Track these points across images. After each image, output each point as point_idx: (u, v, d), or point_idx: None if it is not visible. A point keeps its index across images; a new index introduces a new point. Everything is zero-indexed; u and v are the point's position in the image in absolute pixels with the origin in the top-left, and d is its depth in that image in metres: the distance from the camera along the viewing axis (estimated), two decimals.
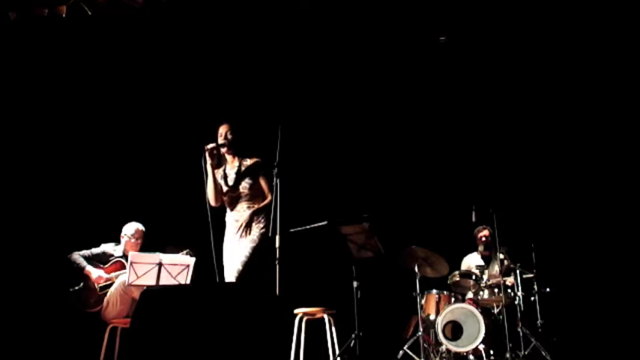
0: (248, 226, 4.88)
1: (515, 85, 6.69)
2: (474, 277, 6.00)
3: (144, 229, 5.61)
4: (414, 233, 6.24)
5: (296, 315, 5.60)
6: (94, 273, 5.48)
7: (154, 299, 4.27)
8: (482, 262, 6.30)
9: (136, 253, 5.23)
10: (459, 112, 6.83)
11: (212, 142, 4.83)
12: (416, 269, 5.82)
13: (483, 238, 6.41)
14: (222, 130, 4.97)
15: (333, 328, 5.56)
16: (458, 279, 6.02)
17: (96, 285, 5.47)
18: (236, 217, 4.89)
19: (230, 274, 4.76)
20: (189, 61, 6.46)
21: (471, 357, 5.55)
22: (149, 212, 5.91)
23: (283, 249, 4.83)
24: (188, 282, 4.81)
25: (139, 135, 6.44)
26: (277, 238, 4.86)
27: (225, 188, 4.92)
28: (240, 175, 4.89)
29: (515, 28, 6.28)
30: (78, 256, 5.53)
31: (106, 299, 5.38)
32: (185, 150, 5.27)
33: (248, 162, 4.95)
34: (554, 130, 6.82)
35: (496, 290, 5.86)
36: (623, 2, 5.89)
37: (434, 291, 5.98)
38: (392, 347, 5.67)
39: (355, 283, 5.59)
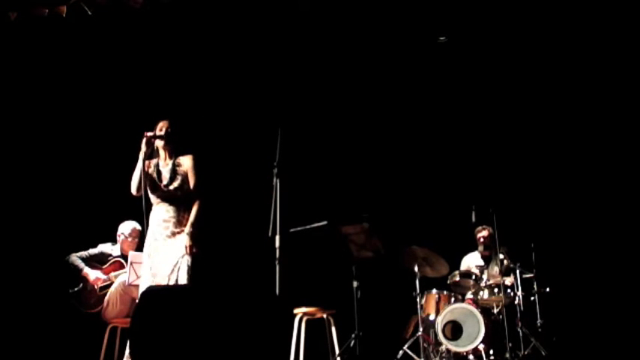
0: (177, 229, 4.66)
1: (515, 85, 6.68)
2: (473, 277, 6.00)
3: (140, 227, 5.57)
4: (413, 233, 6.24)
5: (296, 315, 5.60)
6: (92, 275, 5.51)
7: (154, 299, 4.18)
8: (482, 262, 6.31)
9: (136, 252, 5.24)
10: (458, 112, 6.83)
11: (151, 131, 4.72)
12: (416, 269, 5.82)
13: (482, 239, 6.41)
14: (162, 124, 4.82)
15: (333, 328, 5.56)
16: (458, 279, 6.02)
17: (95, 286, 5.49)
18: (164, 216, 4.67)
19: (162, 279, 4.56)
20: (187, 60, 6.47)
21: (471, 357, 5.55)
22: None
23: (283, 249, 4.80)
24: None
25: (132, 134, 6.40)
26: (277, 238, 4.83)
27: (158, 185, 4.74)
28: (174, 176, 4.72)
29: (515, 27, 6.27)
30: (76, 258, 5.56)
31: (106, 299, 5.41)
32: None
33: (182, 161, 4.76)
34: (554, 130, 6.81)
35: (496, 290, 5.86)
36: (622, 2, 5.91)
37: (434, 291, 5.98)
38: (392, 347, 5.66)
39: (355, 283, 5.59)
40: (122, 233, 5.59)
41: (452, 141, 6.84)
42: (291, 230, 5.12)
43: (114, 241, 5.70)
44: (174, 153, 4.77)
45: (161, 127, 4.74)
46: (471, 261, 6.42)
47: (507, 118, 6.72)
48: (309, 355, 5.44)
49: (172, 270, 4.52)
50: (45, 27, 5.77)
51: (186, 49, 6.46)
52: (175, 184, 4.69)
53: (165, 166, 4.78)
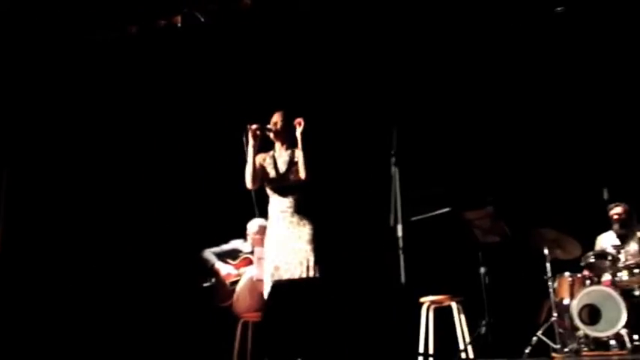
0: (295, 218, 4.58)
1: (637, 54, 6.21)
2: (610, 257, 5.66)
3: (266, 224, 5.52)
4: (541, 214, 6.00)
5: (423, 304, 5.57)
6: (223, 270, 5.65)
7: (282, 293, 4.36)
8: (618, 242, 5.95)
9: (263, 248, 5.08)
10: (583, 85, 6.44)
11: (256, 124, 4.64)
12: (546, 252, 5.60)
13: (616, 216, 6.01)
14: (276, 117, 4.75)
15: (462, 316, 5.49)
16: (592, 260, 5.70)
17: (226, 281, 5.63)
18: (282, 207, 4.59)
19: (285, 272, 4.51)
20: (303, 51, 6.50)
21: (613, 342, 5.25)
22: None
23: (406, 238, 4.78)
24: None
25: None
26: (399, 227, 4.80)
27: (273, 175, 4.66)
28: (290, 166, 4.66)
29: None
30: (209, 254, 5.73)
31: (235, 294, 5.52)
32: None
33: (297, 152, 4.66)
34: None
35: (636, 270, 5.53)
36: None
37: (566, 274, 5.71)
38: (524, 333, 5.47)
39: (482, 269, 5.49)
40: (250, 231, 5.67)
41: (579, 116, 6.49)
42: (414, 218, 5.05)
43: (245, 237, 5.81)
44: (289, 144, 4.72)
45: (275, 121, 4.70)
46: (606, 241, 6.06)
47: (635, 87, 6.28)
48: (438, 343, 5.39)
49: (295, 263, 4.46)
50: (162, 38, 5.96)
51: (301, 43, 6.49)
52: (291, 174, 4.65)
53: (280, 157, 4.74)
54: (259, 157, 4.62)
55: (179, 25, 5.77)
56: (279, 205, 4.57)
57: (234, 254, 5.77)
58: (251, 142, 4.51)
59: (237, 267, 5.65)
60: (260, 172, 4.59)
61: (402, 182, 4.86)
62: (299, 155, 4.56)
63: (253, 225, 5.67)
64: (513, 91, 6.52)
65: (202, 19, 5.77)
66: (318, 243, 4.49)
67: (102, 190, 6.66)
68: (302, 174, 4.50)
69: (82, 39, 6.17)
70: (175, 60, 6.51)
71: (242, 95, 6.46)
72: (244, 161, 4.52)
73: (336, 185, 6.25)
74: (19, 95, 6.31)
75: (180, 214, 6.50)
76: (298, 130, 4.54)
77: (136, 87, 6.61)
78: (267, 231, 4.66)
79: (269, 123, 4.64)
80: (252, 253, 5.67)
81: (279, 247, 4.52)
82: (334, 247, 5.02)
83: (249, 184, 4.58)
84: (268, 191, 4.63)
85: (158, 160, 6.65)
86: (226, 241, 5.85)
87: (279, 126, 4.62)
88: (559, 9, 6.09)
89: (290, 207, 4.53)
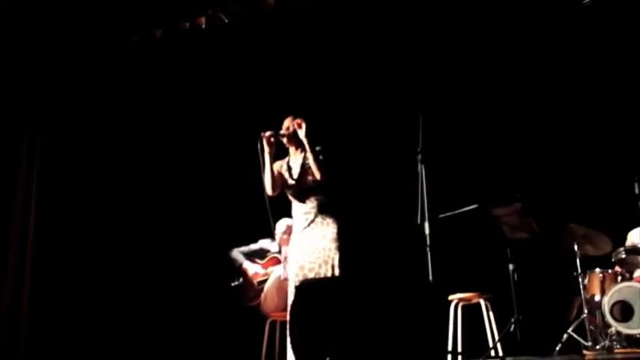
0: (319, 218, 4.53)
1: None
2: None
3: None
4: (570, 210, 5.90)
5: (451, 301, 5.51)
6: (251, 269, 5.66)
7: (308, 292, 4.37)
8: None
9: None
10: (614, 79, 6.29)
11: (270, 130, 4.61)
12: (575, 248, 5.53)
13: None
14: (287, 122, 4.70)
15: (491, 313, 5.41)
16: (624, 256, 5.60)
17: (254, 280, 5.63)
18: (305, 208, 4.54)
19: (310, 271, 4.46)
20: (322, 50, 6.44)
21: None
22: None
23: (433, 235, 4.72)
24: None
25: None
26: (426, 224, 4.74)
27: (290, 182, 4.63)
28: (304, 169, 4.62)
29: None
30: (237, 253, 5.75)
31: (263, 294, 5.52)
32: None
33: (308, 154, 4.60)
34: None
35: None
36: None
37: (597, 270, 5.61)
38: (555, 331, 5.43)
39: (511, 266, 5.36)
40: (278, 230, 5.62)
41: (609, 108, 6.35)
42: (441, 216, 4.97)
43: (272, 237, 5.79)
44: (302, 147, 4.65)
45: (287, 126, 4.66)
46: (638, 236, 5.92)
47: None
48: (467, 341, 5.33)
49: (320, 262, 4.39)
50: (186, 40, 5.93)
51: (324, 41, 6.44)
52: (308, 177, 4.61)
53: (295, 161, 4.71)
54: (276, 165, 4.59)
55: (203, 26, 5.75)
56: (302, 208, 4.53)
57: (262, 254, 5.79)
58: (266, 149, 4.46)
59: (264, 266, 5.66)
60: (279, 179, 4.56)
61: (428, 179, 4.79)
62: (309, 157, 4.51)
63: (281, 225, 5.63)
64: (542, 84, 6.41)
65: (226, 21, 5.63)
66: (344, 241, 4.44)
67: (132, 188, 6.72)
68: (317, 175, 4.45)
69: (109, 41, 6.21)
70: (200, 62, 6.54)
71: (266, 96, 6.47)
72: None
73: (362, 183, 6.20)
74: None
75: (211, 213, 6.51)
76: (301, 133, 4.51)
77: (162, 89, 6.64)
78: (293, 233, 4.66)
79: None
80: (279, 252, 5.69)
81: (303, 247, 4.46)
82: (360, 245, 5.00)
83: (268, 191, 4.55)
84: (289, 197, 4.61)
85: (189, 160, 6.69)
86: (255, 241, 5.87)
87: (290, 130, 4.57)
88: (586, 1, 6.00)
89: (313, 208, 4.48)
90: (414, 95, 6.14)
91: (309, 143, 4.49)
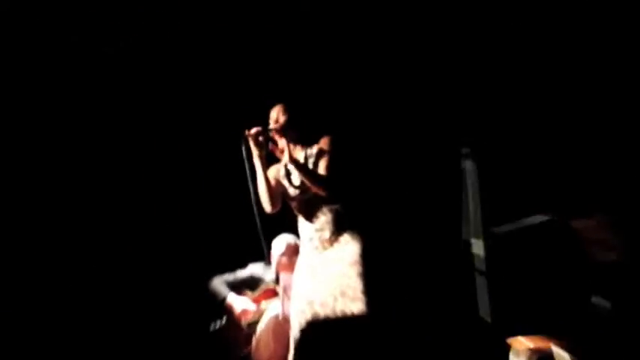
0: (335, 236, 3.89)
1: None
2: None
3: (297, 241, 4.79)
4: None
5: (511, 346, 4.56)
6: (238, 305, 4.75)
7: (319, 336, 3.74)
8: None
9: (288, 275, 4.42)
10: None
11: (256, 127, 3.87)
12: None
13: None
14: (273, 113, 3.95)
15: None
16: None
17: (242, 320, 4.75)
18: (315, 225, 3.88)
19: (322, 307, 3.84)
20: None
21: None
22: None
23: (488, 256, 4.27)
24: None
25: None
26: (480, 242, 4.28)
27: (292, 191, 3.93)
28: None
29: None
30: (219, 283, 4.92)
31: (255, 339, 4.62)
32: None
33: (315, 149, 3.89)
34: None
35: None
36: None
37: None
38: None
39: (596, 299, 4.53)
40: (275, 251, 4.81)
41: None
42: (498, 230, 4.52)
43: (266, 260, 4.96)
44: (302, 143, 3.99)
45: (276, 118, 3.93)
46: None
47: None
48: None
49: (335, 295, 3.75)
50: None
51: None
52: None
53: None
54: (272, 171, 4.01)
55: None
56: (312, 225, 3.93)
57: (252, 283, 4.97)
58: (255, 152, 3.82)
59: (256, 301, 4.82)
60: (278, 189, 3.99)
61: (479, 180, 4.39)
62: (317, 149, 3.89)
63: (280, 243, 4.81)
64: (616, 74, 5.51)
65: None
66: (367, 266, 3.79)
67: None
68: (323, 167, 3.84)
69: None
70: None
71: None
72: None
73: (390, 186, 5.48)
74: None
75: (182, 230, 5.67)
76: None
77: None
78: (300, 255, 4.02)
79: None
80: (277, 282, 4.82)
81: (313, 274, 3.85)
82: (389, 271, 4.24)
83: (267, 207, 3.95)
84: (294, 211, 4.02)
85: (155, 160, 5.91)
86: (243, 266, 5.02)
87: (281, 122, 3.90)
88: None
89: (327, 223, 3.88)
90: (458, 69, 5.38)
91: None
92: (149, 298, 5.50)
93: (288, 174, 4.00)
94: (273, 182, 3.95)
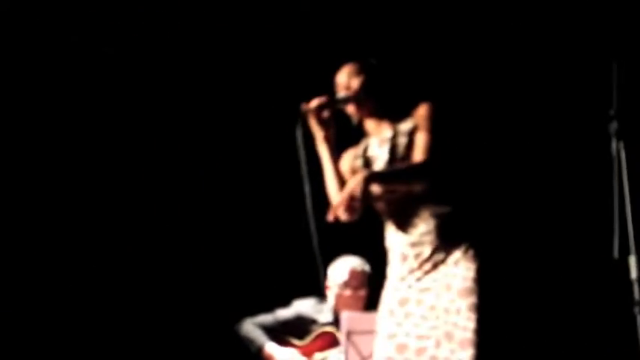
0: (443, 250, 2.96)
1: None
2: None
3: (367, 268, 4.00)
4: None
5: None
6: (282, 357, 3.98)
7: None
8: None
9: (357, 315, 3.74)
10: None
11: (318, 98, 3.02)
12: None
13: None
14: (342, 76, 3.03)
15: None
16: None
17: None
18: (412, 236, 2.96)
19: (421, 354, 2.94)
20: None
21: None
22: None
23: None
24: None
25: None
26: (633, 260, 3.17)
27: (377, 189, 3.03)
28: (406, 152, 2.98)
29: None
30: (252, 328, 4.07)
31: None
32: None
33: (409, 123, 2.94)
34: None
35: None
36: None
37: None
38: None
39: None
40: (334, 281, 4.03)
41: None
42: None
43: (321, 294, 4.16)
44: (388, 116, 3.01)
45: (346, 83, 2.99)
46: None
47: None
48: None
49: (439, 337, 2.83)
50: None
51: None
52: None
53: (379, 145, 3.00)
54: (346, 160, 3.12)
55: None
56: (405, 237, 2.99)
57: (300, 327, 4.10)
58: (319, 134, 2.98)
59: (307, 352, 4.04)
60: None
61: (633, 167, 3.20)
62: (411, 124, 2.96)
63: (340, 269, 4.03)
64: None
65: None
66: (487, 297, 2.83)
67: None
68: (423, 146, 2.89)
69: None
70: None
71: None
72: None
73: (514, 179, 4.61)
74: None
75: (206, 255, 4.92)
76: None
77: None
78: (387, 283, 3.08)
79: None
80: (335, 323, 3.96)
81: (406, 309, 2.92)
82: (516, 304, 3.75)
83: (340, 214, 2.97)
84: (381, 216, 3.11)
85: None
86: (285, 304, 4.18)
87: (355, 87, 2.98)
88: None
89: (428, 234, 2.92)
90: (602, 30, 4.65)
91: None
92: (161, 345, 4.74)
93: (368, 163, 3.05)
94: (347, 177, 3.04)
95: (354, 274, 3.95)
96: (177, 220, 5.20)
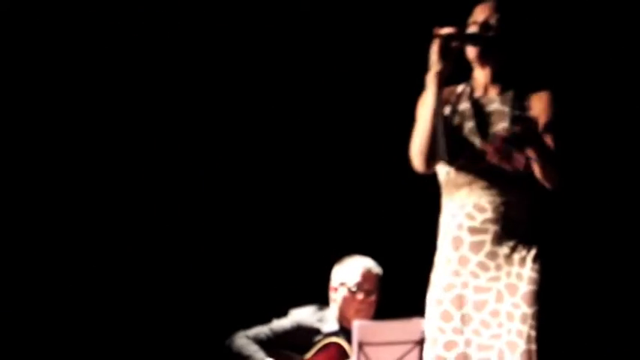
0: (509, 245, 2.61)
1: None
2: None
3: (380, 270, 3.62)
4: None
5: None
6: None
7: None
8: None
9: (367, 323, 3.38)
10: None
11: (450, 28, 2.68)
12: None
13: None
14: (481, 12, 2.72)
15: None
16: None
17: None
18: (474, 222, 2.65)
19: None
20: None
21: None
22: None
23: None
24: None
25: None
26: None
27: (478, 143, 2.66)
28: (519, 121, 2.62)
29: None
30: (247, 342, 3.69)
31: None
32: None
33: (534, 100, 2.65)
34: None
35: None
36: None
37: None
38: None
39: None
40: (343, 282, 3.66)
41: None
42: None
43: (323, 300, 3.80)
44: (513, 77, 2.76)
45: (484, 19, 2.73)
46: None
47: None
48: None
49: (501, 349, 2.51)
50: None
51: None
52: (514, 153, 2.67)
53: (494, 101, 2.70)
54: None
55: None
56: (468, 221, 2.65)
57: (300, 338, 3.74)
58: (436, 65, 2.62)
59: None
60: (458, 141, 2.76)
61: None
62: (538, 105, 2.63)
63: (353, 269, 3.64)
64: None
65: None
66: (549, 301, 2.53)
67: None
68: (542, 168, 2.52)
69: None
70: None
71: None
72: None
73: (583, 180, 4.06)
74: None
75: (193, 258, 4.61)
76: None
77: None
78: (435, 271, 2.70)
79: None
80: (341, 333, 3.61)
81: (464, 310, 2.58)
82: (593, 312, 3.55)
83: (420, 159, 2.66)
84: (444, 177, 2.73)
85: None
86: (283, 312, 3.81)
87: (494, 26, 2.68)
88: None
89: (494, 221, 2.59)
90: None
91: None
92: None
93: (479, 115, 2.77)
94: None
95: (368, 276, 3.57)
96: (177, 220, 4.92)
